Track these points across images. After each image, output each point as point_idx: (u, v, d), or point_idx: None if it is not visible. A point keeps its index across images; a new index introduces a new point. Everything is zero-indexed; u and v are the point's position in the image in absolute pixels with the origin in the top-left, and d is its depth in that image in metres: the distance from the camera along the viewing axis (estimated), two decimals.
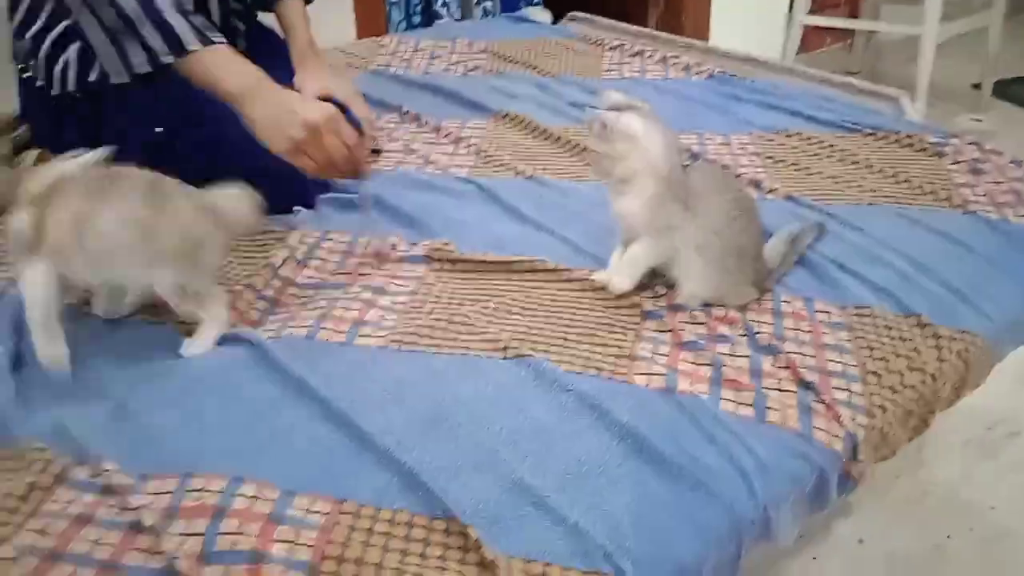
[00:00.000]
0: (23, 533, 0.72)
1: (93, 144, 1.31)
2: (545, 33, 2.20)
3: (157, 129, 1.29)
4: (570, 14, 2.30)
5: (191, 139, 1.29)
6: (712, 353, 0.98)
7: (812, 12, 3.32)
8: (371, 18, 2.35)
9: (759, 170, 1.42)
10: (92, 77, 1.30)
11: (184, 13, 1.15)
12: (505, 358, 0.96)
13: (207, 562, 0.70)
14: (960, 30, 3.15)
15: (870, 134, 1.54)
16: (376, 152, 1.51)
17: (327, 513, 0.76)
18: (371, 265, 1.15)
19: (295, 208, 1.30)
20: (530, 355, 0.96)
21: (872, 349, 1.01)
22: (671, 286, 1.08)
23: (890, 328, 1.04)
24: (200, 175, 1.29)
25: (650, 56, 1.96)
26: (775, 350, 0.98)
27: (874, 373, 0.98)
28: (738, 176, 1.38)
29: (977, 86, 3.40)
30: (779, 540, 0.86)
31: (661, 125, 1.02)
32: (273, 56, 1.49)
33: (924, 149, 1.47)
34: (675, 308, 1.05)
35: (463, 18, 2.59)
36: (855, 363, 0.99)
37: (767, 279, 1.09)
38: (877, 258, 1.16)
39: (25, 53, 1.34)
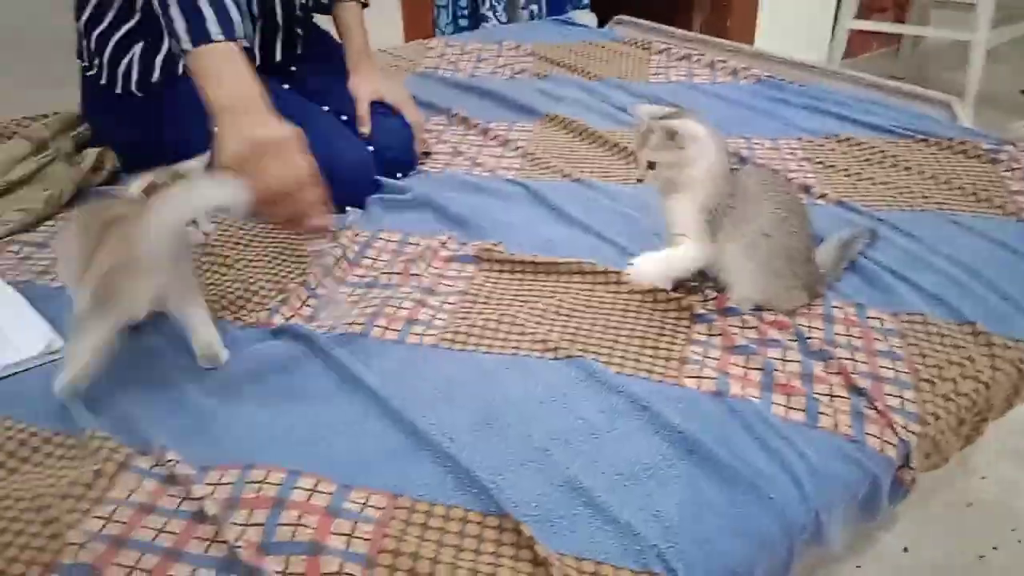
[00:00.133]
0: (89, 520, 0.75)
1: (154, 143, 1.35)
2: (591, 36, 2.21)
3: (216, 129, 1.31)
4: (616, 17, 2.31)
5: None
6: (763, 357, 0.97)
7: (859, 16, 3.29)
8: (419, 21, 2.37)
9: (809, 175, 1.42)
10: (155, 78, 1.34)
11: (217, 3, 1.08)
12: (555, 359, 0.97)
13: (267, 552, 0.71)
14: (1011, 36, 3.11)
15: (922, 140, 1.52)
16: (426, 154, 1.53)
17: (382, 507, 0.77)
18: (421, 265, 1.17)
19: (346, 208, 1.32)
20: (580, 356, 0.97)
21: (925, 356, 1.00)
22: (721, 290, 1.08)
23: (943, 336, 1.03)
24: None
25: (697, 60, 1.96)
26: (826, 355, 0.98)
27: (927, 380, 0.97)
28: (788, 181, 1.37)
29: None
30: (829, 546, 0.86)
31: (711, 127, 1.02)
32: (328, 59, 1.52)
33: (978, 156, 1.45)
34: (725, 312, 1.05)
35: (509, 21, 2.60)
36: (907, 370, 0.98)
37: (818, 283, 1.09)
38: (929, 265, 1.16)
39: (90, 52, 1.38)
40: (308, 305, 1.09)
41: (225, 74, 1.06)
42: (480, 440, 0.85)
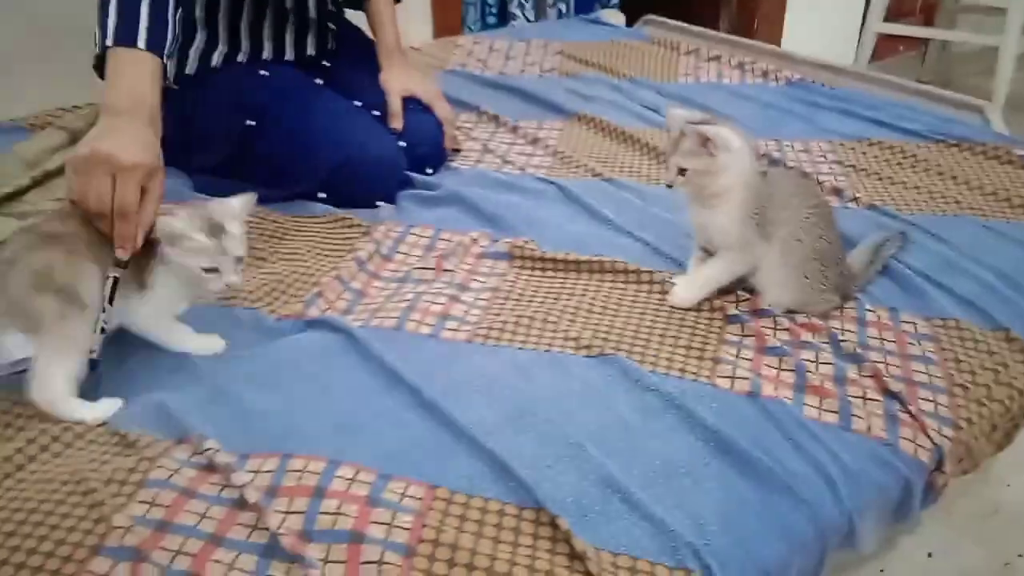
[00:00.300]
0: (133, 504, 0.76)
1: (188, 135, 1.37)
2: (619, 36, 2.21)
3: (248, 122, 1.33)
4: (644, 17, 2.31)
5: (279, 132, 1.33)
6: (796, 359, 0.98)
7: (886, 19, 3.28)
8: (448, 18, 2.38)
9: (840, 178, 1.42)
10: (189, 70, 1.35)
11: (156, 7, 1.05)
12: (589, 356, 0.98)
13: (309, 540, 0.72)
14: None
15: (954, 144, 1.52)
16: (455, 151, 1.53)
17: (420, 498, 0.78)
18: (454, 260, 1.17)
19: (378, 203, 1.33)
20: (613, 354, 0.97)
21: (959, 361, 1.01)
22: (753, 291, 1.08)
23: (977, 341, 1.03)
24: (287, 167, 1.34)
25: (727, 61, 1.96)
26: (860, 358, 0.98)
27: (961, 386, 0.97)
28: (819, 184, 1.37)
29: None
30: (861, 548, 0.86)
31: (745, 134, 1.02)
32: (360, 54, 1.53)
33: (1011, 161, 1.44)
34: (757, 313, 1.05)
35: (537, 19, 2.61)
36: (941, 375, 0.99)
37: (850, 287, 1.09)
38: (963, 270, 1.16)
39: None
40: (342, 298, 1.10)
41: (126, 82, 1.02)
42: (516, 434, 0.86)
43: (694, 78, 1.90)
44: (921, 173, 1.43)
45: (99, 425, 0.87)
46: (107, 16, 1.03)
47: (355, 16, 1.61)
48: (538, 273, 1.16)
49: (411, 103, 1.46)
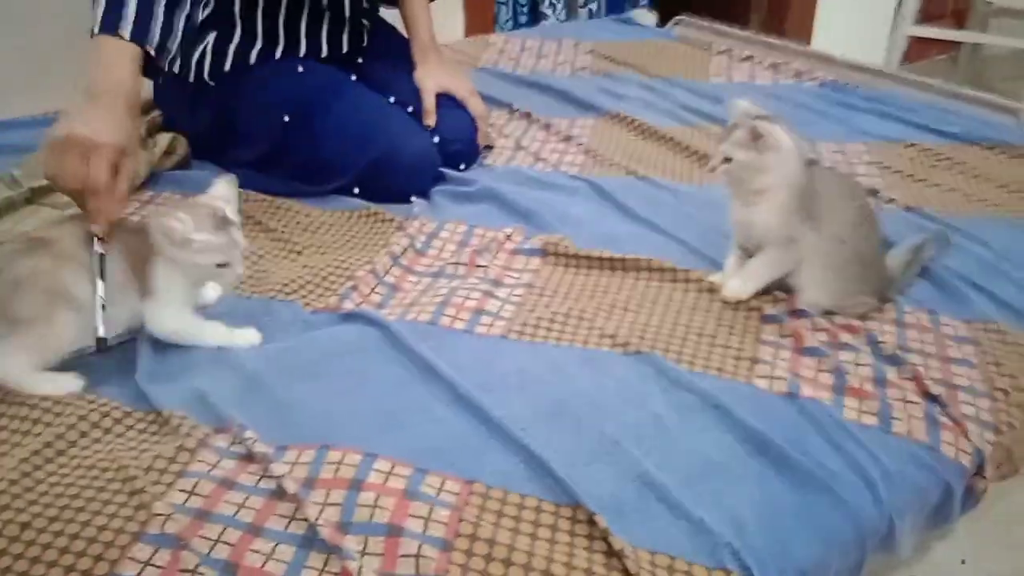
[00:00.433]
0: (173, 492, 0.76)
1: (225, 131, 1.38)
2: (651, 35, 2.21)
3: (285, 118, 1.34)
4: (676, 17, 2.30)
5: (316, 128, 1.34)
6: (834, 360, 0.97)
7: (918, 22, 3.24)
8: (480, 16, 2.38)
9: (876, 180, 1.40)
10: (227, 67, 1.36)
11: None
12: (624, 353, 0.97)
13: (347, 532, 0.72)
14: None
15: (991, 147, 1.50)
16: (488, 148, 1.53)
17: (457, 493, 0.77)
18: (487, 256, 1.17)
19: (412, 198, 1.33)
20: (649, 352, 0.97)
21: (999, 365, 0.99)
22: (789, 291, 1.07)
23: (1018, 345, 1.02)
24: (322, 162, 1.35)
25: (759, 61, 1.95)
26: (899, 361, 0.97)
27: (1001, 390, 0.96)
28: (860, 184, 1.36)
29: None
30: (900, 552, 0.85)
31: (797, 136, 1.01)
32: (394, 51, 1.54)
33: None
34: (795, 313, 1.04)
35: (568, 19, 2.61)
36: (981, 378, 0.97)
37: (888, 289, 1.08)
38: (1003, 273, 1.14)
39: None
40: (377, 292, 1.10)
41: (106, 68, 1.05)
42: (552, 431, 0.85)
43: (726, 78, 1.89)
44: (958, 176, 1.42)
45: (130, 413, 0.88)
46: (96, 5, 1.06)
47: (388, 13, 1.61)
48: (572, 270, 1.16)
49: (445, 99, 1.46)
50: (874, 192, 1.35)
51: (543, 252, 1.19)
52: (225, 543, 0.71)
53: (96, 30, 1.06)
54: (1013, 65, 3.21)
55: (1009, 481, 1.02)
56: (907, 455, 0.86)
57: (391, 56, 1.53)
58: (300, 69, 1.38)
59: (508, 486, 0.79)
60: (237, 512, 0.74)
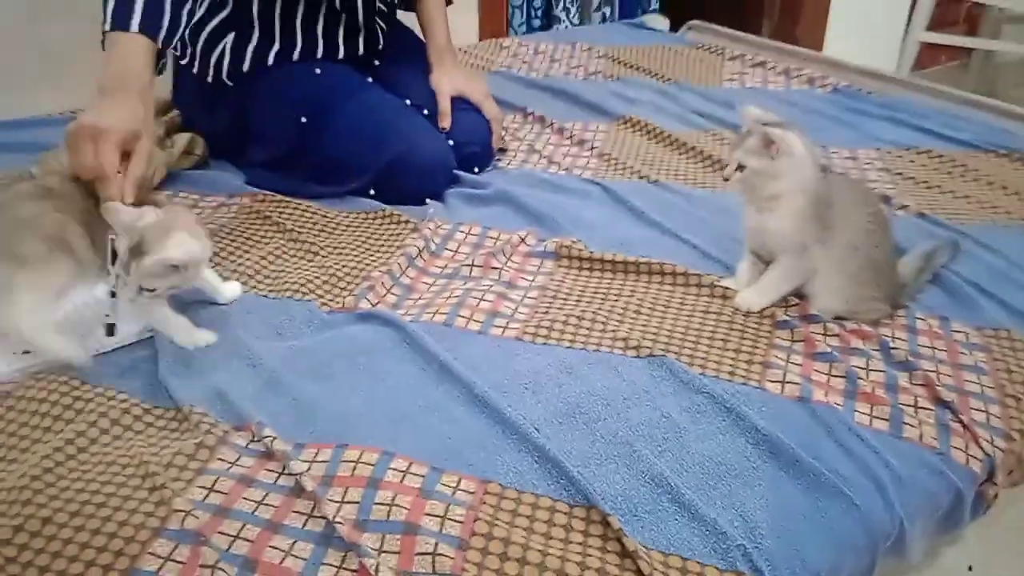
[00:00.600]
0: (193, 489, 0.77)
1: (242, 131, 1.39)
2: (664, 40, 2.21)
3: (302, 119, 1.35)
4: (689, 23, 2.30)
5: (332, 129, 1.35)
6: (846, 365, 0.97)
7: (930, 29, 3.24)
8: (494, 20, 2.39)
9: (888, 186, 1.41)
10: (245, 67, 1.37)
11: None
12: (637, 356, 0.98)
13: (364, 530, 0.73)
14: None
15: (1004, 154, 1.51)
16: (502, 151, 1.54)
17: (472, 492, 0.78)
18: (501, 258, 1.18)
19: (427, 200, 1.34)
20: (662, 355, 0.97)
21: (1011, 372, 1.00)
22: (802, 296, 1.08)
23: None
24: (339, 163, 1.36)
25: (772, 67, 1.95)
26: (911, 367, 0.98)
27: (1013, 396, 0.96)
28: (872, 191, 1.36)
29: None
30: (910, 557, 0.86)
31: (809, 142, 1.02)
32: (410, 54, 1.55)
33: None
34: (807, 318, 1.05)
35: (582, 23, 2.61)
36: (993, 385, 0.98)
37: (900, 296, 1.08)
38: (1014, 280, 1.15)
39: (183, 41, 1.41)
40: (392, 293, 1.11)
41: (118, 63, 1.08)
42: (566, 432, 0.86)
43: (739, 83, 1.90)
44: (971, 183, 1.42)
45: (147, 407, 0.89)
46: (107, 2, 1.09)
47: (404, 16, 1.62)
48: (585, 273, 1.17)
49: (460, 102, 1.48)
50: (886, 199, 1.35)
51: (557, 255, 1.20)
52: (244, 539, 0.72)
53: (107, 26, 1.08)
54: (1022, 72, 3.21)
55: (1019, 488, 1.03)
56: (918, 460, 0.87)
57: (407, 58, 1.54)
58: (317, 71, 1.40)
59: (523, 486, 0.80)
60: (256, 509, 0.76)
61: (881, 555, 0.82)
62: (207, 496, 0.77)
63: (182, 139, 1.42)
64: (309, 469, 0.80)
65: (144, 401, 0.90)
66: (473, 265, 1.17)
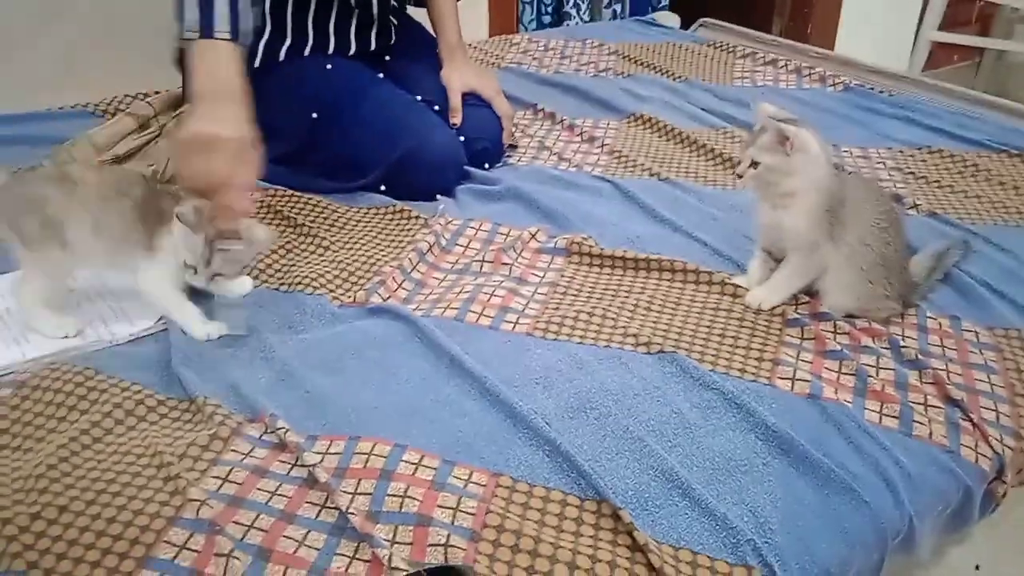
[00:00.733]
0: (207, 479, 0.78)
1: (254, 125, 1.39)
2: (674, 38, 2.21)
3: (313, 114, 1.35)
4: (700, 20, 2.30)
5: (344, 125, 1.35)
6: (856, 363, 0.98)
7: (942, 28, 3.24)
8: (504, 16, 2.40)
9: (899, 185, 1.41)
10: (256, 63, 1.38)
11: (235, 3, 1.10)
12: (648, 353, 0.98)
13: (377, 521, 0.74)
14: None
15: (1016, 154, 1.50)
16: (512, 147, 1.55)
17: (484, 485, 0.79)
18: (512, 254, 1.19)
19: (437, 196, 1.35)
20: (672, 351, 0.98)
21: (1020, 371, 1.00)
22: (813, 294, 1.08)
23: None
24: (350, 158, 1.37)
25: (784, 65, 1.95)
26: (921, 365, 0.98)
27: (1022, 396, 0.96)
28: (885, 189, 1.36)
29: None
30: (919, 554, 0.86)
31: (821, 140, 1.02)
32: (421, 50, 1.55)
33: None
34: (818, 316, 1.05)
35: (592, 19, 2.61)
36: (1003, 384, 0.98)
37: (911, 294, 1.08)
38: None
39: None
40: (403, 288, 1.11)
41: (210, 69, 1.08)
42: (577, 426, 0.87)
43: (750, 81, 1.90)
44: (983, 183, 1.42)
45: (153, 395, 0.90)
46: (185, 10, 1.08)
47: (414, 12, 1.63)
48: (595, 270, 1.17)
49: (471, 98, 1.48)
50: (898, 198, 1.35)
51: (567, 251, 1.20)
52: (258, 529, 0.73)
53: (192, 35, 1.08)
54: None
55: None
56: (928, 458, 0.87)
57: (418, 54, 1.55)
58: (329, 66, 1.40)
59: (534, 479, 0.81)
60: (270, 499, 0.76)
61: (890, 552, 0.82)
62: (221, 486, 0.77)
63: None
64: (322, 461, 0.80)
65: (158, 392, 0.91)
66: (484, 261, 1.18)
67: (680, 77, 1.90)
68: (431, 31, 1.59)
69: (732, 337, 1.02)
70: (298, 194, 1.33)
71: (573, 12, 2.55)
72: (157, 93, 1.57)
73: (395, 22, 1.55)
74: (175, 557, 0.70)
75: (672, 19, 2.37)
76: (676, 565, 0.73)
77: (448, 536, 0.72)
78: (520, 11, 2.48)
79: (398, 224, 1.28)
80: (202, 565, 0.69)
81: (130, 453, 0.81)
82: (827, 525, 0.79)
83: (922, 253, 1.14)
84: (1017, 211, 1.33)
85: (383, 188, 1.35)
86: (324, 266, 1.15)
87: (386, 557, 0.70)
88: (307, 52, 1.41)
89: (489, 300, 1.07)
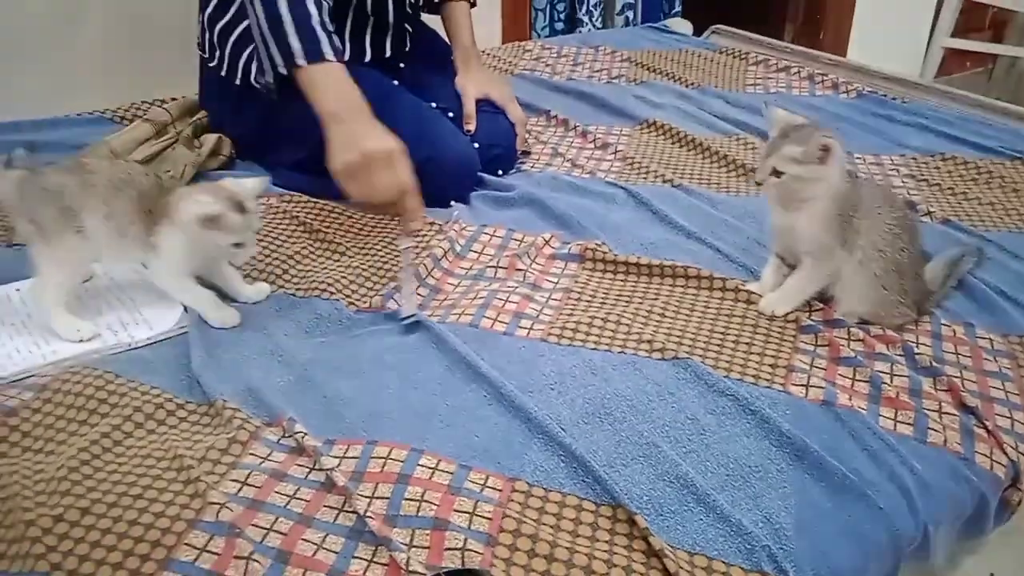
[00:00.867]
0: (226, 482, 0.79)
1: (269, 133, 1.41)
2: (687, 44, 2.22)
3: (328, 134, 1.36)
4: (713, 27, 2.31)
5: None
6: (870, 370, 0.98)
7: (954, 35, 3.23)
8: (516, 23, 2.41)
9: (913, 192, 1.41)
10: None
11: (323, 26, 1.20)
12: (662, 359, 0.99)
13: (394, 525, 0.74)
14: None
15: None
16: (525, 153, 1.56)
17: (500, 490, 0.80)
18: (526, 260, 1.19)
19: (451, 203, 1.36)
20: (686, 358, 0.98)
21: None
22: (826, 301, 1.08)
23: None
24: None
25: (796, 72, 1.95)
26: (936, 372, 0.98)
27: None
28: (900, 196, 1.36)
29: None
30: (934, 561, 0.86)
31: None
32: (436, 56, 1.56)
33: None
34: (832, 323, 1.06)
35: (604, 26, 2.62)
36: (1017, 391, 0.98)
37: (926, 301, 1.09)
38: None
39: (211, 45, 1.44)
40: (418, 294, 1.12)
41: (332, 88, 1.18)
42: (592, 432, 0.87)
43: (763, 88, 1.90)
44: (996, 190, 1.42)
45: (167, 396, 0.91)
46: (289, 40, 1.18)
47: (429, 19, 1.64)
48: (609, 276, 1.18)
49: (484, 105, 1.49)
50: (911, 205, 1.35)
51: (581, 257, 1.21)
52: (277, 532, 0.74)
53: (301, 62, 1.17)
54: None
55: None
56: (942, 465, 0.87)
57: (433, 61, 1.56)
58: None
59: (549, 484, 0.81)
60: (288, 503, 0.77)
61: (905, 559, 0.82)
62: (240, 489, 0.78)
63: (210, 140, 1.44)
64: (339, 465, 0.81)
65: (177, 396, 0.92)
66: (498, 267, 1.18)
67: (693, 84, 1.91)
68: (445, 38, 1.60)
69: (746, 343, 1.03)
70: (313, 199, 1.34)
71: (585, 19, 2.56)
72: (174, 99, 1.58)
73: (410, 29, 1.56)
74: (196, 559, 0.71)
75: (684, 26, 2.37)
76: (691, 571, 0.74)
77: (465, 540, 0.73)
78: (533, 18, 2.49)
79: (413, 231, 1.28)
80: (222, 567, 0.70)
81: (150, 456, 0.82)
82: (842, 532, 0.79)
83: (936, 260, 1.14)
84: None
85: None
86: (340, 271, 1.16)
87: (404, 561, 0.70)
88: None
89: (504, 306, 1.08)
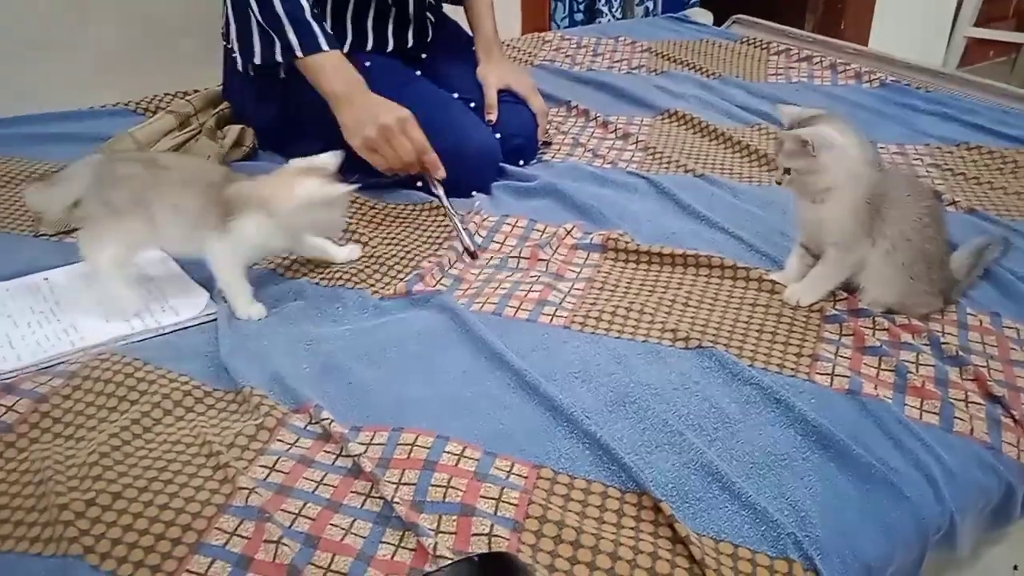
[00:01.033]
0: (255, 468, 0.80)
1: (291, 123, 1.41)
2: (707, 35, 2.21)
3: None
4: (733, 17, 2.30)
5: None
6: (896, 359, 0.97)
7: (977, 24, 3.20)
8: (536, 13, 2.41)
9: (938, 182, 1.40)
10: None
11: (316, 18, 1.29)
12: (686, 348, 0.99)
13: (421, 511, 0.75)
14: None
15: None
16: (546, 144, 1.56)
17: (526, 476, 0.80)
18: (548, 250, 1.19)
19: (473, 193, 1.36)
20: (711, 347, 0.98)
21: None
22: (852, 290, 1.08)
23: None
24: None
25: (819, 61, 1.94)
26: (962, 361, 0.98)
27: None
28: (928, 185, 1.35)
29: None
30: (960, 550, 0.86)
31: (852, 129, 1.02)
32: (457, 47, 1.56)
33: None
34: (857, 312, 1.05)
35: (624, 17, 2.62)
36: None
37: (952, 290, 1.08)
38: None
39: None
40: (442, 283, 1.13)
41: (330, 71, 1.30)
42: (617, 419, 0.88)
43: (784, 78, 1.89)
44: (1022, 179, 1.41)
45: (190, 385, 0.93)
46: (288, 35, 1.29)
47: (451, 10, 1.64)
48: (632, 265, 1.18)
49: (506, 96, 1.49)
50: (936, 194, 1.34)
51: (603, 247, 1.21)
52: (306, 517, 0.75)
53: (300, 54, 1.29)
54: None
55: None
56: (969, 455, 0.87)
57: (455, 52, 1.56)
58: (367, 64, 1.41)
59: (575, 471, 0.82)
60: (316, 488, 0.78)
61: (931, 548, 0.82)
62: (269, 475, 0.79)
63: (233, 131, 1.45)
64: (366, 451, 0.82)
65: (205, 383, 0.93)
66: (520, 257, 1.19)
67: (714, 74, 1.90)
68: (467, 29, 1.60)
69: (770, 332, 1.02)
70: None
71: (605, 9, 2.56)
72: (196, 91, 1.59)
73: (432, 20, 1.56)
74: (226, 543, 0.72)
75: (705, 16, 2.36)
76: (717, 557, 0.74)
77: (492, 526, 0.74)
78: (552, 9, 2.49)
79: (435, 220, 1.29)
80: (252, 551, 0.71)
81: (180, 442, 0.83)
82: (868, 519, 0.79)
83: (961, 250, 1.13)
84: None
85: (419, 184, 1.37)
86: (363, 261, 1.17)
87: (431, 546, 0.71)
88: (345, 49, 1.43)
89: (527, 295, 1.08)
